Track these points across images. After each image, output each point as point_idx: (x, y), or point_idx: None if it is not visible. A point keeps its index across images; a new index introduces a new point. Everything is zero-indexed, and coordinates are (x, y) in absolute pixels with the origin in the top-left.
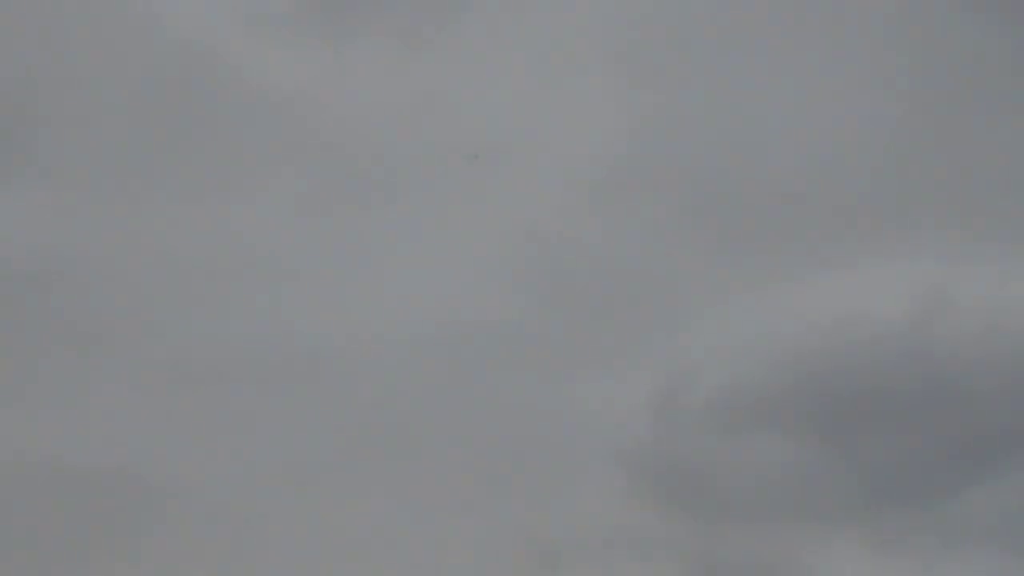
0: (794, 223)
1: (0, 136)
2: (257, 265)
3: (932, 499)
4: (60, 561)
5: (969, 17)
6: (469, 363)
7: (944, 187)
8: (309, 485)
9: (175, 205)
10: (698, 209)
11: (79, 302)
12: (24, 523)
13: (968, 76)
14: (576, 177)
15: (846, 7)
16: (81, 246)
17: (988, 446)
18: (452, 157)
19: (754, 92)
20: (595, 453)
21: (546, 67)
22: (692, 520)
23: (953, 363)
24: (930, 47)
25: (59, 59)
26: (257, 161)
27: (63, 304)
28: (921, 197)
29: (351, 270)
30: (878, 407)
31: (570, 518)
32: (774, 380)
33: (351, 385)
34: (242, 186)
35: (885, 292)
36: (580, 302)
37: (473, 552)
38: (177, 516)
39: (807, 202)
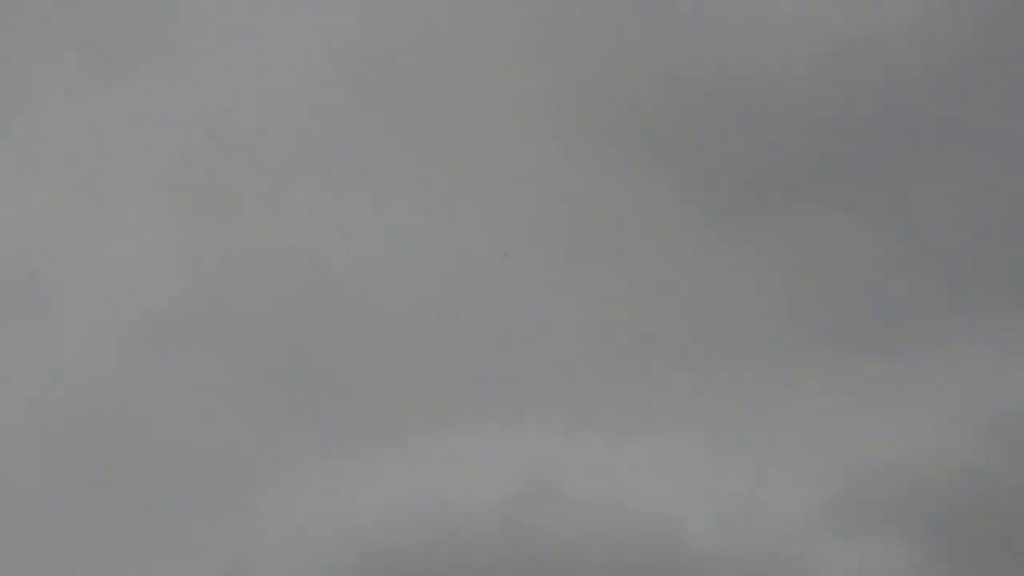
0: (382, 396)
1: None
2: None
3: None
4: None
5: (588, 167)
6: None
7: (546, 372)
8: None
9: None
10: (263, 370)
11: None
12: None
13: (591, 243)
14: (124, 326)
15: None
16: None
17: None
18: None
19: (329, 235)
20: None
21: (97, 199)
22: None
23: (551, 554)
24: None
25: None
26: None
27: None
28: (522, 381)
29: None
30: None
31: None
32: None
33: None
34: None
35: (482, 479)
36: (120, 480)
37: None
38: None
39: (394, 372)
